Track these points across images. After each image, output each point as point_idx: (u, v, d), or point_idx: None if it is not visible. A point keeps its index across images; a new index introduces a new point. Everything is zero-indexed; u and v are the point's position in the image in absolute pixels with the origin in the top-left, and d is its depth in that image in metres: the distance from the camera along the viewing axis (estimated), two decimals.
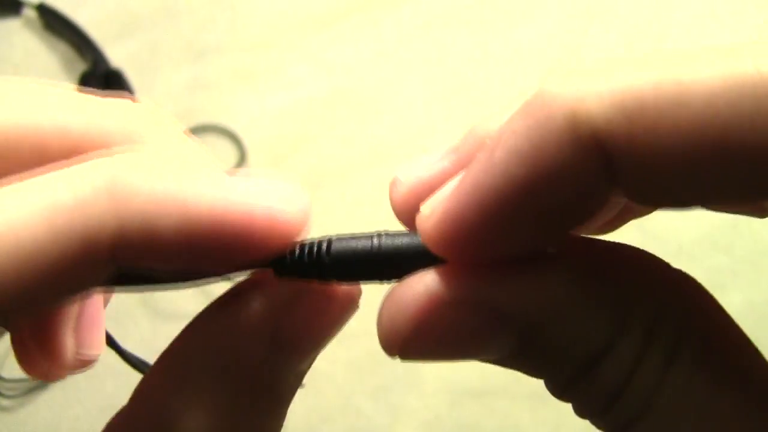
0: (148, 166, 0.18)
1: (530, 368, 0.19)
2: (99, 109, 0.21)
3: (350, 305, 0.21)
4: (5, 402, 0.56)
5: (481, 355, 0.19)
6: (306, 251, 0.20)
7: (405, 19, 0.68)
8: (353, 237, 0.20)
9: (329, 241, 0.20)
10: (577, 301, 0.18)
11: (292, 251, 0.20)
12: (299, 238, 0.19)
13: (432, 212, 0.18)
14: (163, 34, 0.67)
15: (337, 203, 0.61)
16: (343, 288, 0.20)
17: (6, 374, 0.55)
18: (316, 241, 0.20)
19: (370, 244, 0.19)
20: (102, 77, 0.61)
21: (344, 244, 0.20)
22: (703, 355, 0.17)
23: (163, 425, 0.19)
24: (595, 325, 0.17)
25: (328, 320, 0.20)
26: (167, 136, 0.22)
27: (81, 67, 0.64)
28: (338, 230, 0.20)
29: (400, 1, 0.68)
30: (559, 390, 0.19)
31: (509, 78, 0.67)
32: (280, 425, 0.21)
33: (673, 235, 0.62)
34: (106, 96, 0.22)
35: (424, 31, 0.68)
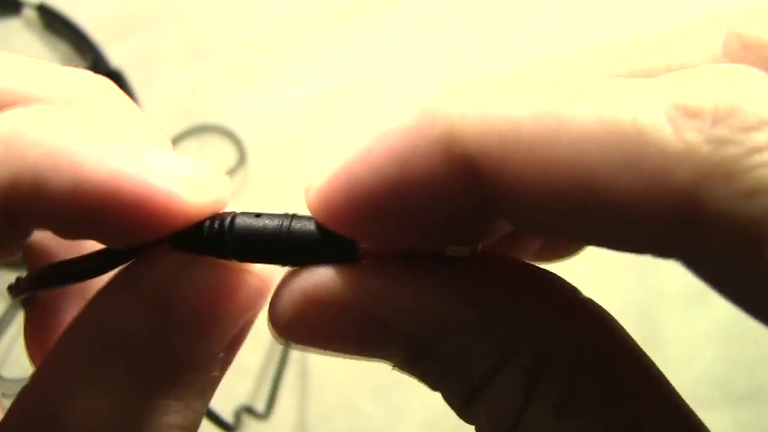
0: (54, 122, 0.18)
1: (425, 381, 0.19)
2: (41, 74, 0.21)
3: (259, 289, 0.20)
4: (5, 402, 0.56)
5: (369, 357, 0.19)
6: (207, 226, 0.19)
7: (405, 19, 0.68)
8: (259, 215, 0.19)
9: (233, 218, 0.19)
10: (462, 323, 0.17)
11: (197, 226, 0.19)
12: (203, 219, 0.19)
13: (311, 185, 0.18)
14: (163, 34, 0.67)
15: None
16: (253, 271, 0.19)
17: (6, 374, 0.55)
18: (220, 218, 0.19)
19: (278, 226, 0.18)
20: None
21: (249, 222, 0.19)
22: (598, 406, 0.17)
23: (53, 412, 0.18)
24: (479, 351, 0.17)
25: (231, 302, 0.19)
26: (108, 105, 0.21)
27: (81, 67, 0.64)
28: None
29: (400, 1, 0.68)
30: (454, 408, 0.18)
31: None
32: (192, 417, 0.20)
33: None
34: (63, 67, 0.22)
35: (423, 31, 0.68)
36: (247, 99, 0.65)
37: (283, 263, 0.19)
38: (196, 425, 0.20)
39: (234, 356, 0.21)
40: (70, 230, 0.19)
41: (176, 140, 0.64)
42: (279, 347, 0.57)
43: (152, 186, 0.18)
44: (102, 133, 0.18)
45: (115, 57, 0.64)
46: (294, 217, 0.19)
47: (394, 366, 0.19)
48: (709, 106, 0.14)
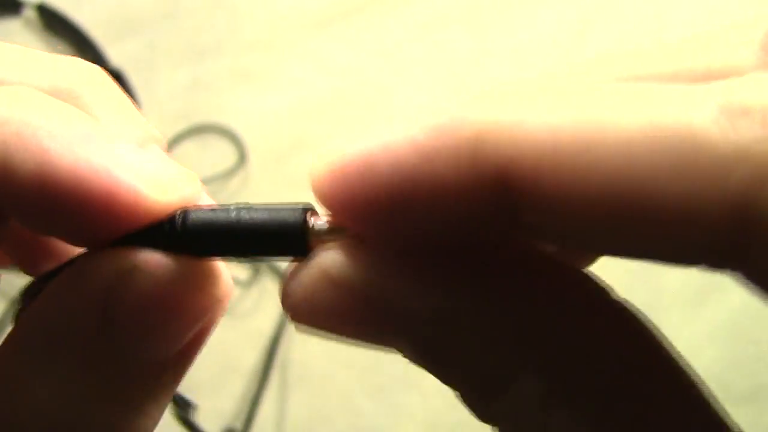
0: (28, 104, 0.18)
1: (437, 376, 0.18)
2: (25, 60, 0.21)
3: (216, 295, 0.19)
4: None
5: (379, 345, 0.18)
6: (165, 223, 0.18)
7: (405, 19, 0.68)
8: (214, 209, 0.18)
9: (185, 211, 0.18)
10: (476, 319, 0.16)
11: (154, 223, 0.18)
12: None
13: (319, 164, 0.17)
14: (163, 34, 0.67)
15: None
16: (211, 276, 0.19)
17: None
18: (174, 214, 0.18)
19: (228, 216, 0.18)
20: None
21: (201, 215, 0.18)
22: (634, 416, 0.15)
23: None
24: (495, 350, 0.16)
25: (183, 305, 0.18)
26: (94, 95, 0.21)
27: None
28: None
29: (400, 1, 0.68)
30: (471, 408, 0.17)
31: (509, 78, 0.67)
32: (143, 421, 0.19)
33: None
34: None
35: (424, 31, 0.68)
36: (247, 99, 0.65)
37: (235, 256, 0.18)
38: (149, 429, 0.19)
39: (189, 363, 0.20)
40: (36, 222, 0.18)
41: (176, 140, 0.64)
42: (261, 365, 0.57)
43: (117, 179, 0.17)
44: (77, 120, 0.18)
45: (115, 57, 0.64)
46: (247, 208, 0.18)
47: (405, 355, 0.18)
48: (759, 105, 0.13)
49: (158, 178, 0.18)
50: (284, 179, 0.63)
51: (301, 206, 0.18)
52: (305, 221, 0.18)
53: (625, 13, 0.69)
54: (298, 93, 0.66)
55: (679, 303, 0.61)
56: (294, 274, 0.18)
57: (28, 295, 0.20)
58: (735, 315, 0.61)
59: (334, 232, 0.18)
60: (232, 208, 0.18)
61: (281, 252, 0.18)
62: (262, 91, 0.66)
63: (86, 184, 0.17)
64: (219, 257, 0.19)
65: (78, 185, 0.17)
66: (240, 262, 0.19)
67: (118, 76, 0.61)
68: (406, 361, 0.18)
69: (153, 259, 0.18)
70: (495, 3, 0.69)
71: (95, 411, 0.18)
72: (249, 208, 0.18)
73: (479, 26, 0.68)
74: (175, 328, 0.19)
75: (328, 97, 0.66)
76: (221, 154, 0.64)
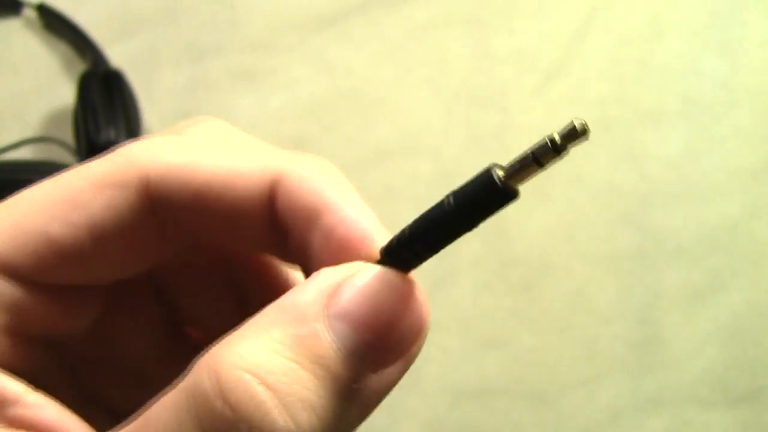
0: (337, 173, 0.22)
1: None
2: (286, 161, 0.22)
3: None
4: None
5: None
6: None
7: (405, 19, 0.68)
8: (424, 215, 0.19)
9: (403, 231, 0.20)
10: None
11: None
12: None
13: None
14: (163, 34, 0.67)
15: None
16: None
17: None
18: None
19: (444, 205, 0.19)
20: (102, 77, 0.61)
21: (413, 224, 0.19)
22: None
23: None
24: None
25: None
26: (228, 134, 0.23)
27: (81, 67, 0.64)
28: None
29: (400, 1, 0.68)
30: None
31: (509, 78, 0.67)
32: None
33: (673, 235, 0.62)
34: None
35: (424, 31, 0.68)
36: (247, 99, 0.65)
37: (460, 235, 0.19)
38: None
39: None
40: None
41: None
42: None
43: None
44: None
45: (115, 57, 0.64)
46: (447, 198, 0.19)
47: None
48: None
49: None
50: None
51: (487, 167, 0.19)
52: (497, 174, 0.18)
53: (625, 13, 0.69)
54: (298, 93, 0.66)
55: (679, 303, 0.61)
56: None
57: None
58: (735, 315, 0.61)
59: (523, 167, 0.18)
60: (442, 200, 0.19)
61: (495, 207, 0.19)
62: (262, 91, 0.66)
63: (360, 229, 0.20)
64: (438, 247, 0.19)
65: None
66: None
67: (118, 76, 0.61)
68: None
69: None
70: (495, 3, 0.69)
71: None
72: (447, 198, 0.19)
73: (479, 26, 0.68)
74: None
75: (328, 97, 0.66)
76: None
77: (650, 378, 0.59)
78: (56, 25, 0.65)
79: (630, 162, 0.64)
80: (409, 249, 0.19)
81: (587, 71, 0.67)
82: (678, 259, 0.61)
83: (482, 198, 0.18)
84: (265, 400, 0.16)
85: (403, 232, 0.19)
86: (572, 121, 0.17)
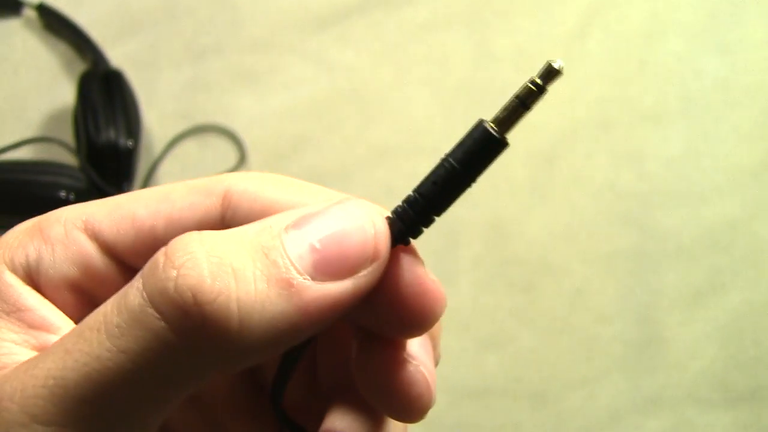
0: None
1: None
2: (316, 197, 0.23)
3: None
4: None
5: None
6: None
7: (405, 19, 0.68)
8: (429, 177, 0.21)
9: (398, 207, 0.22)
10: None
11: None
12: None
13: None
14: (163, 34, 0.67)
15: None
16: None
17: None
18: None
19: (445, 166, 0.21)
20: (102, 77, 0.61)
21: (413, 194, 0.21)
22: None
23: None
24: None
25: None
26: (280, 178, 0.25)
27: (81, 67, 0.64)
28: None
29: (400, 1, 0.68)
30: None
31: (509, 78, 0.67)
32: None
33: (673, 235, 0.62)
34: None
35: (424, 31, 0.68)
36: (247, 99, 0.65)
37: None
38: None
39: None
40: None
41: (176, 140, 0.64)
42: None
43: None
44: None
45: (115, 57, 0.64)
46: (446, 157, 0.21)
47: None
48: None
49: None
50: None
51: (477, 122, 0.21)
52: (489, 125, 0.21)
53: (625, 13, 0.69)
54: (298, 93, 0.66)
55: (679, 303, 0.61)
56: None
57: (289, 361, 0.23)
58: (735, 315, 0.61)
59: (510, 113, 0.21)
60: (441, 162, 0.21)
61: (494, 156, 0.21)
62: (262, 91, 0.66)
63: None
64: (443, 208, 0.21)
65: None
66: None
67: (118, 76, 0.61)
68: None
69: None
70: (495, 3, 0.69)
71: None
72: (446, 158, 0.21)
73: (479, 26, 0.68)
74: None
75: (328, 97, 0.66)
76: (221, 154, 0.64)
77: (650, 378, 0.60)
78: (56, 25, 0.65)
79: (630, 162, 0.64)
80: (415, 209, 0.21)
81: (587, 71, 0.67)
82: (678, 258, 0.61)
83: (481, 150, 0.20)
84: (195, 250, 0.18)
85: (409, 196, 0.21)
86: (548, 62, 0.19)
